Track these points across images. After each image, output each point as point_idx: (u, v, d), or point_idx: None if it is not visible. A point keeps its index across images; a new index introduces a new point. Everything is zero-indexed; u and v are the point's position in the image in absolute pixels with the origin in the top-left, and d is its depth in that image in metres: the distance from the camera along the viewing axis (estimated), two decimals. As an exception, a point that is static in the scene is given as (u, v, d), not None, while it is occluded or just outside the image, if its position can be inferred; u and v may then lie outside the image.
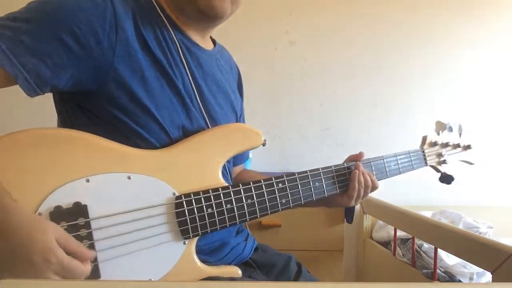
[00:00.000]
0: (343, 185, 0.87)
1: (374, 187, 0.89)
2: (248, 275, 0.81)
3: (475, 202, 1.77)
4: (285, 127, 1.80)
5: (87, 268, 0.57)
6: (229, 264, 0.79)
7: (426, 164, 1.04)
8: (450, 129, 1.09)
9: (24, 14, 0.63)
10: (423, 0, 1.84)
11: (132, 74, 0.68)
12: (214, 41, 0.91)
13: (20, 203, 0.55)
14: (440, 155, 1.07)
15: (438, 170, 1.08)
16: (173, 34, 0.76)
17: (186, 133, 0.75)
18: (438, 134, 1.08)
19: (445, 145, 1.08)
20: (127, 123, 0.69)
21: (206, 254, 0.76)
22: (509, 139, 1.79)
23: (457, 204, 1.73)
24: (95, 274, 0.61)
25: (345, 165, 0.88)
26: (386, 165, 0.93)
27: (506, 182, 1.80)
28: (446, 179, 1.07)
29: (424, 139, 1.07)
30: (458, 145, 1.10)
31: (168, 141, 0.72)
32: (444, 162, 1.07)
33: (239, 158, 1.00)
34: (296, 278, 0.87)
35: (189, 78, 0.77)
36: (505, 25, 1.86)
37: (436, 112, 1.83)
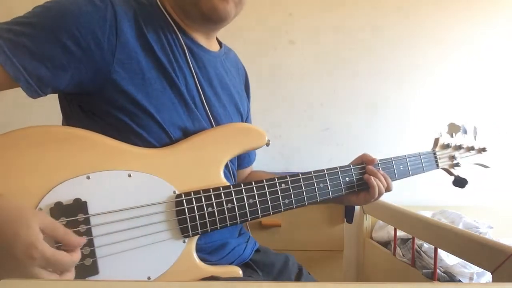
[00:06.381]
0: (360, 183, 0.87)
1: (388, 189, 0.88)
2: (248, 276, 0.81)
3: (475, 202, 1.77)
4: (285, 127, 1.80)
5: (75, 257, 0.56)
6: (230, 264, 0.79)
7: (437, 166, 1.02)
8: (465, 131, 1.05)
9: (28, 18, 0.64)
10: (424, 0, 1.84)
11: (132, 76, 0.69)
12: (220, 43, 0.91)
13: (5, 196, 0.55)
14: (453, 157, 1.04)
15: (451, 174, 1.04)
16: (177, 36, 0.77)
17: (188, 134, 0.75)
18: (452, 136, 1.04)
19: (458, 147, 1.04)
20: (127, 124, 0.70)
21: (207, 253, 0.76)
22: (508, 139, 1.79)
23: (457, 204, 1.73)
24: (93, 270, 0.62)
25: (351, 166, 0.87)
26: (395, 167, 0.92)
27: (506, 182, 1.80)
28: (460, 182, 1.03)
29: (436, 141, 1.04)
30: (472, 148, 1.06)
31: (169, 142, 0.73)
32: (457, 165, 1.03)
33: (246, 161, 0.99)
34: (297, 279, 0.87)
35: (193, 80, 0.77)
36: (506, 24, 1.86)
37: (436, 112, 1.83)
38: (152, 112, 0.70)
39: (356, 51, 1.83)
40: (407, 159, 0.95)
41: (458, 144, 1.04)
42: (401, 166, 0.93)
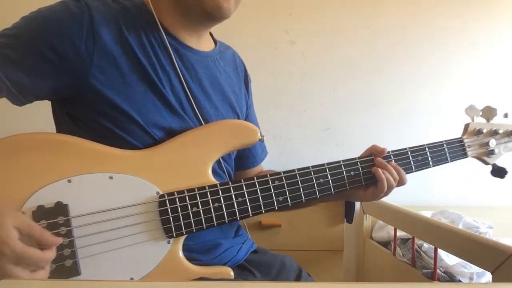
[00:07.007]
0: (368, 177, 0.82)
1: (401, 182, 0.82)
2: (243, 279, 0.79)
3: (475, 202, 1.77)
4: (285, 127, 1.80)
5: (47, 254, 0.57)
6: (223, 265, 0.77)
7: (465, 155, 0.92)
8: (506, 115, 0.95)
9: (12, 30, 0.69)
10: (423, 0, 1.84)
11: (111, 81, 0.70)
12: (216, 41, 0.91)
13: None
14: (485, 144, 0.93)
15: (485, 162, 0.95)
16: (162, 39, 0.76)
17: (174, 136, 0.74)
18: (488, 121, 0.94)
19: (494, 132, 0.94)
20: (110, 128, 0.71)
21: (198, 253, 0.75)
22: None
23: (457, 204, 1.73)
24: (74, 271, 0.62)
25: (357, 159, 0.83)
26: (411, 158, 0.85)
27: (506, 182, 1.79)
28: (499, 172, 0.95)
29: (466, 127, 0.94)
30: (511, 133, 0.96)
31: (153, 144, 0.73)
32: (492, 152, 0.93)
33: (251, 161, 0.97)
34: (297, 281, 0.86)
35: (179, 82, 0.77)
36: (506, 24, 1.86)
37: (437, 112, 1.83)
38: (133, 115, 0.71)
39: (356, 51, 1.82)
40: (427, 149, 0.87)
41: (494, 129, 0.94)
42: (419, 157, 0.86)
